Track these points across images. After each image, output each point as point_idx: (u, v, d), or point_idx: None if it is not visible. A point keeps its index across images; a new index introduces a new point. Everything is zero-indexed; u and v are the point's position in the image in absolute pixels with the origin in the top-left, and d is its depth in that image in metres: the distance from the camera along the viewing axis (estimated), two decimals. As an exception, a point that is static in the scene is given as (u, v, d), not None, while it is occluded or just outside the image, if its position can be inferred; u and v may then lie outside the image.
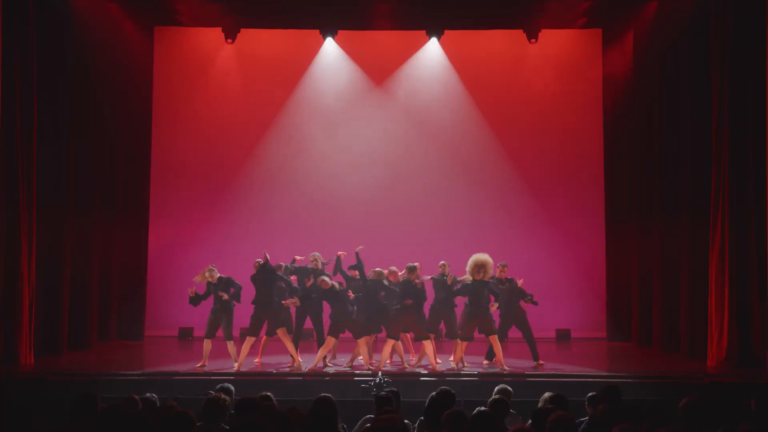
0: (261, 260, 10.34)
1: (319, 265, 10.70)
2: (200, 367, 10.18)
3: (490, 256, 10.46)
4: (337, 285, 10.27)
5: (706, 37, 10.87)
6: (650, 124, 12.63)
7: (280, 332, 10.31)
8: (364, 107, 14.22)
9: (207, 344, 10.36)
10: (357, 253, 10.49)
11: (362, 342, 10.26)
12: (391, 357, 10.65)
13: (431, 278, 10.50)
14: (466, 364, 10.38)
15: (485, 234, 13.26)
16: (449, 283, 10.29)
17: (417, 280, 10.25)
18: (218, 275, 10.50)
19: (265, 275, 10.22)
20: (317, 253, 10.82)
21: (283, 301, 10.37)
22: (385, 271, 10.44)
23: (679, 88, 11.74)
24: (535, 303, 10.67)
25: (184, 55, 14.08)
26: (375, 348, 11.00)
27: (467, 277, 10.22)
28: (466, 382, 9.63)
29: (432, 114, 14.13)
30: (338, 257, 10.90)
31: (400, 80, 14.21)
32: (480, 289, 10.17)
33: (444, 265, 10.65)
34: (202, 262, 12.28)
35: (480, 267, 10.11)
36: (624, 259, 13.42)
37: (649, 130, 12.68)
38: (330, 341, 10.28)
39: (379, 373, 9.08)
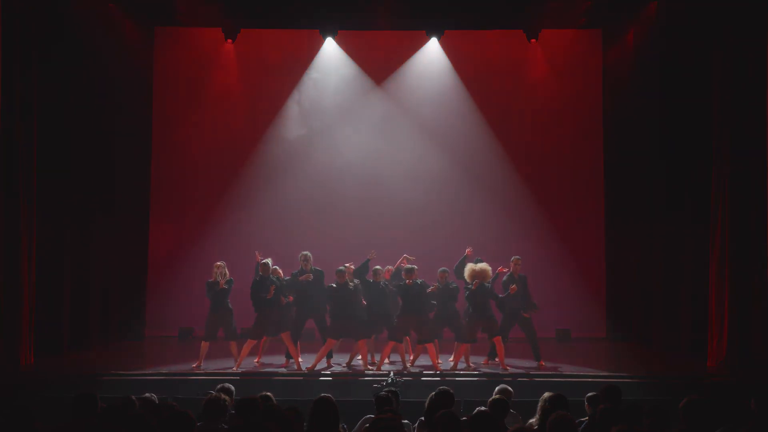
0: (266, 261, 10.38)
1: (308, 266, 10.63)
2: (196, 367, 10.20)
3: (490, 255, 10.52)
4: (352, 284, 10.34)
5: (706, 36, 10.86)
6: (650, 123, 12.62)
7: (285, 336, 10.33)
8: (364, 107, 14.20)
9: (205, 346, 10.37)
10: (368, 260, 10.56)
11: (362, 343, 10.29)
12: (389, 357, 10.68)
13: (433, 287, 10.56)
14: (471, 365, 10.41)
15: (485, 233, 13.26)
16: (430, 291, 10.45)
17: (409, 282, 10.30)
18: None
19: (267, 280, 10.27)
20: (307, 252, 10.77)
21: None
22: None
23: (679, 87, 11.73)
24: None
25: (184, 55, 14.07)
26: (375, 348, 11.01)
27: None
28: (466, 382, 9.65)
29: (432, 114, 14.12)
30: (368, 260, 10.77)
31: (401, 80, 14.20)
32: (483, 293, 10.26)
33: (445, 271, 10.68)
34: (202, 262, 12.33)
35: (478, 274, 10.24)
36: (624, 259, 13.41)
37: (648, 130, 12.67)
38: (330, 343, 10.31)
39: (391, 373, 9.12)
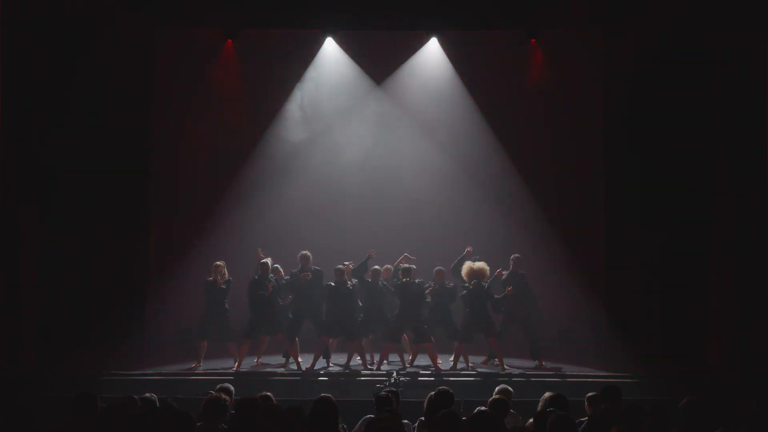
0: (266, 260, 10.41)
1: (308, 265, 10.67)
2: (195, 367, 10.22)
3: (490, 255, 10.52)
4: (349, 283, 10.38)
5: (707, 36, 10.87)
6: (651, 123, 12.61)
7: (282, 337, 10.35)
8: (364, 107, 14.19)
9: (202, 345, 10.40)
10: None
11: (358, 344, 10.30)
12: (388, 358, 10.69)
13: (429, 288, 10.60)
14: (470, 364, 10.43)
15: (484, 233, 13.22)
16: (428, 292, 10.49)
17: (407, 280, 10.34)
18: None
19: (266, 280, 10.30)
20: (307, 252, 10.82)
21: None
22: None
23: (680, 87, 11.73)
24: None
25: (185, 55, 14.04)
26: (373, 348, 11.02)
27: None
28: (466, 382, 9.65)
29: (432, 114, 14.10)
30: (368, 258, 10.76)
31: (400, 80, 14.18)
32: (480, 293, 10.28)
33: (441, 271, 10.71)
34: (202, 262, 12.33)
35: (476, 273, 10.28)
36: (624, 259, 13.39)
37: (649, 130, 12.66)
38: (324, 341, 10.32)
39: (394, 373, 9.13)
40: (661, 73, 12.28)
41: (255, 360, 10.67)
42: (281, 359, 10.60)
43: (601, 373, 10.09)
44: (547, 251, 13.63)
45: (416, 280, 10.41)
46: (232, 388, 6.52)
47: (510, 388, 6.80)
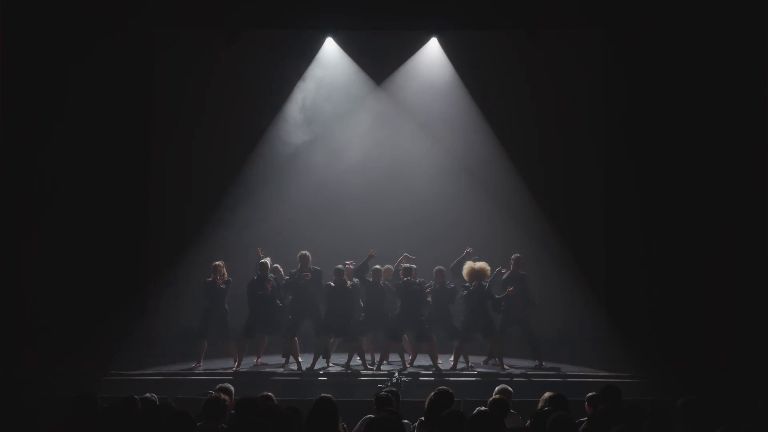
0: (265, 260, 10.41)
1: (307, 265, 10.69)
2: (195, 367, 10.22)
3: (490, 255, 10.51)
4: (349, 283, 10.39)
5: (707, 36, 10.87)
6: (651, 123, 12.61)
7: (282, 337, 10.36)
8: (364, 107, 14.19)
9: (202, 345, 10.41)
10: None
11: (358, 344, 10.31)
12: (388, 358, 10.69)
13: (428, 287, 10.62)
14: (470, 364, 10.43)
15: (484, 233, 13.22)
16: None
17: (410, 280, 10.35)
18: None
19: (265, 280, 10.31)
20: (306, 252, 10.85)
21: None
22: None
23: (679, 87, 11.72)
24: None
25: (185, 55, 14.04)
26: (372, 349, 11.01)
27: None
28: (466, 382, 9.66)
29: (432, 114, 14.10)
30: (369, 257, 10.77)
31: (400, 80, 14.18)
32: (481, 293, 10.28)
33: (441, 270, 10.72)
34: (201, 262, 12.34)
35: (477, 273, 10.29)
36: (624, 259, 13.39)
37: (649, 130, 12.66)
38: (323, 341, 10.33)
39: (396, 373, 9.15)
40: (661, 73, 12.27)
41: (255, 360, 10.68)
42: (281, 359, 10.60)
43: (601, 373, 10.10)
44: (547, 250, 13.63)
45: (417, 280, 10.41)
46: (232, 388, 6.52)
47: (510, 388, 6.82)
